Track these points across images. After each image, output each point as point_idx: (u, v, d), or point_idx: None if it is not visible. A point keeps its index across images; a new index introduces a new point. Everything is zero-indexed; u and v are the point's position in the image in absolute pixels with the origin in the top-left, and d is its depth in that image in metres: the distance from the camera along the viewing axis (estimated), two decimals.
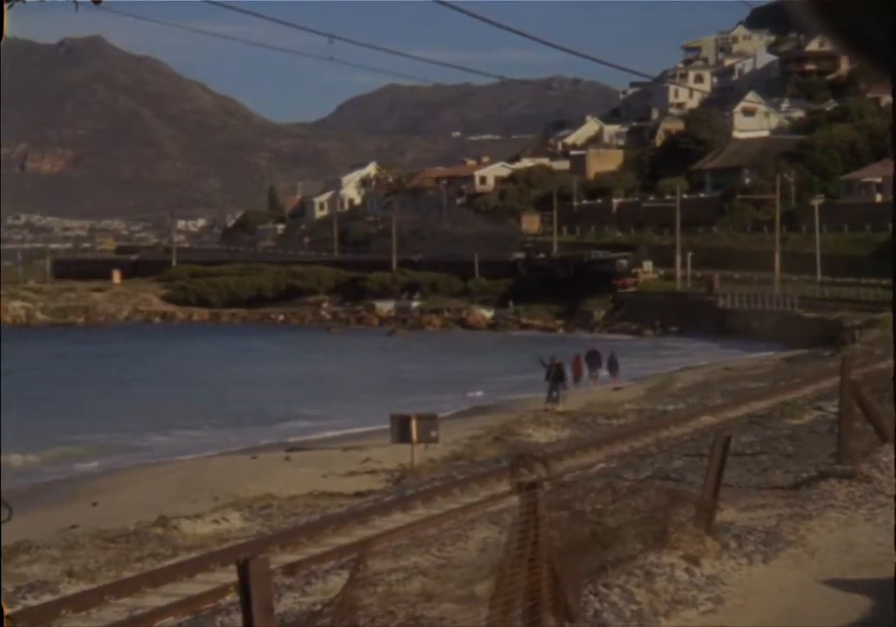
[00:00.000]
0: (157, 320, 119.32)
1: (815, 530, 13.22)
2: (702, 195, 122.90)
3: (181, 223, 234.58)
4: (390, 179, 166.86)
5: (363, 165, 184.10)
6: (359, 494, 23.60)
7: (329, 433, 38.50)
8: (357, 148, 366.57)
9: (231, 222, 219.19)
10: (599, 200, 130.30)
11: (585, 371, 47.81)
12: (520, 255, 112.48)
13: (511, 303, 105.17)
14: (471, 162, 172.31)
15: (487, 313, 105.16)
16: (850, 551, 12.36)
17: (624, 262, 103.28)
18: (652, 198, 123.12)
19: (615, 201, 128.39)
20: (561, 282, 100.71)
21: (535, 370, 41.41)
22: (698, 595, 10.69)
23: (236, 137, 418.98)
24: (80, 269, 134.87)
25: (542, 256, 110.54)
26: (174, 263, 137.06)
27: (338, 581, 12.97)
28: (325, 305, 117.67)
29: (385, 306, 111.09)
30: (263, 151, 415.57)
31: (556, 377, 39.76)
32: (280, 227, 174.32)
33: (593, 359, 48.63)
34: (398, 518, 19.90)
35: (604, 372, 48.86)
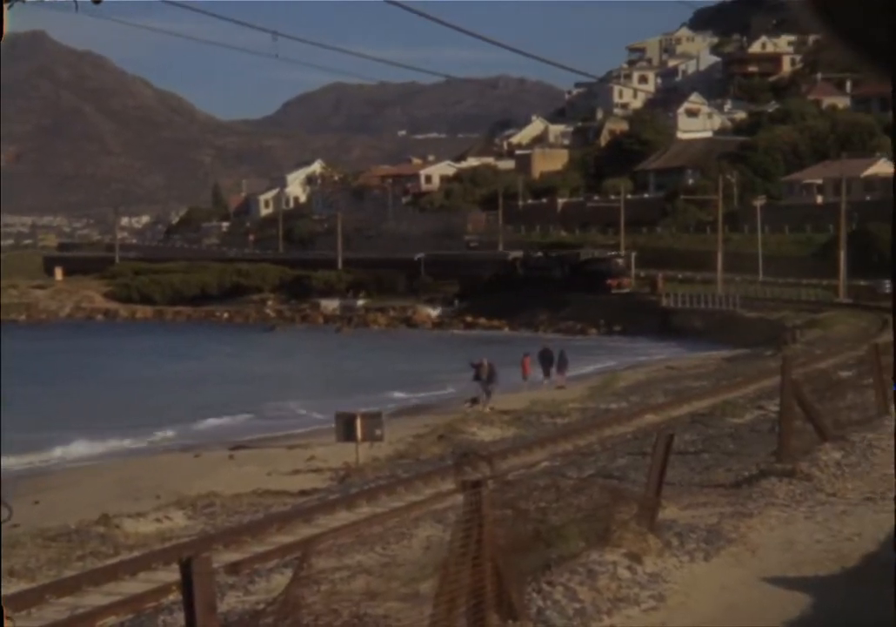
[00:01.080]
0: (99, 317, 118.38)
1: (756, 528, 13.33)
2: (646, 195, 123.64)
3: (124, 220, 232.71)
4: (336, 178, 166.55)
5: (309, 163, 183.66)
6: (303, 492, 23.56)
7: (273, 432, 38.38)
8: (303, 146, 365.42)
9: (175, 220, 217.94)
10: (544, 200, 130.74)
11: (534, 370, 48.14)
12: (517, 254, 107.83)
13: (457, 302, 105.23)
14: (416, 161, 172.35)
15: (433, 312, 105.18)
16: (790, 549, 12.48)
17: (620, 261, 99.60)
18: (596, 198, 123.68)
19: (560, 201, 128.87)
20: (557, 282, 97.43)
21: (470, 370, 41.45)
22: (640, 592, 10.75)
23: (180, 134, 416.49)
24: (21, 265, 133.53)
25: (539, 254, 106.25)
26: (117, 260, 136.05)
27: (281, 580, 12.94)
28: (269, 303, 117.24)
29: (330, 305, 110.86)
30: (208, 148, 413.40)
31: (480, 377, 39.69)
32: (225, 224, 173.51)
33: (546, 358, 48.87)
34: (343, 517, 19.88)
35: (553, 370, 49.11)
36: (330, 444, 28.78)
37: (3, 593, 15.16)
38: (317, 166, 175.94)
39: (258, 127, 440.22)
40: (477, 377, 39.94)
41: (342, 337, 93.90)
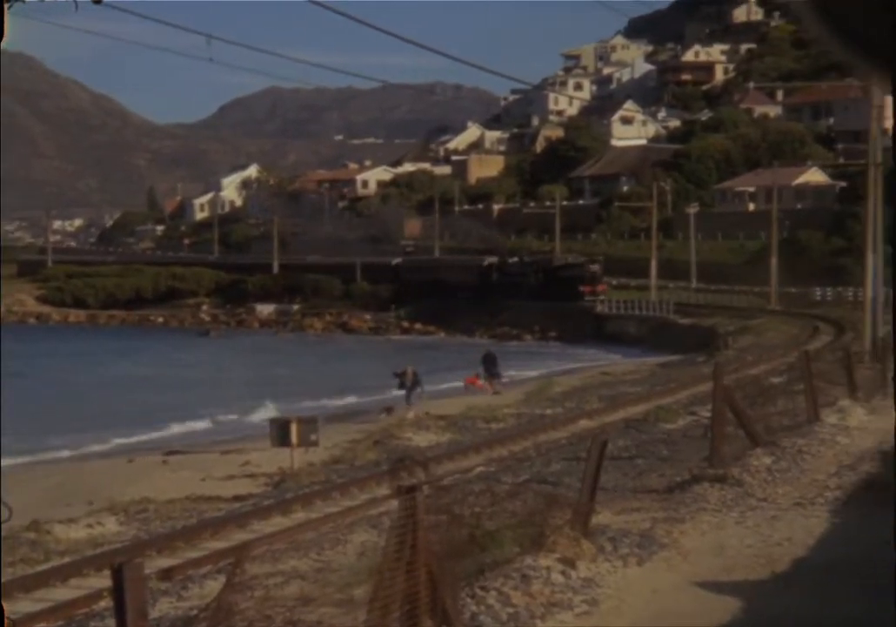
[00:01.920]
0: (31, 321, 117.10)
1: (688, 533, 13.45)
2: (581, 202, 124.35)
3: (57, 223, 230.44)
4: (272, 182, 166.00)
5: (244, 167, 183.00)
6: (238, 498, 23.44)
7: (208, 437, 38.14)
8: (238, 150, 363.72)
9: (109, 223, 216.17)
10: (481, 206, 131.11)
11: (481, 374, 48.36)
12: (492, 259, 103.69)
13: (393, 307, 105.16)
14: (353, 166, 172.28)
15: (369, 317, 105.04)
16: (721, 553, 12.60)
17: (595, 267, 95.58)
18: (532, 204, 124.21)
19: (496, 207, 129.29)
20: (532, 288, 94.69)
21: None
22: (574, 597, 10.82)
23: (115, 137, 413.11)
24: None
25: (514, 260, 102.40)
26: (50, 263, 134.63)
27: (215, 586, 12.87)
28: (204, 307, 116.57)
29: (266, 309, 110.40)
30: (143, 152, 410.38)
31: (405, 385, 39.59)
32: (159, 228, 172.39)
33: (489, 362, 49.02)
34: (277, 522, 19.81)
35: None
36: (265, 449, 28.66)
37: None
38: (252, 170, 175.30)
39: (194, 131, 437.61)
40: (401, 385, 39.84)
41: (277, 342, 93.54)
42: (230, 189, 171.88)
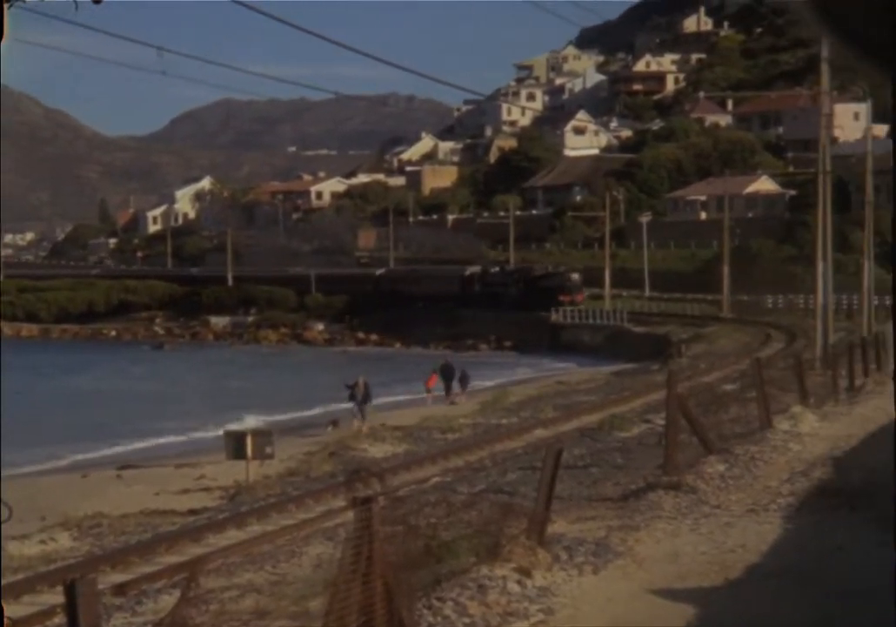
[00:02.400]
0: None
1: (643, 540, 13.50)
2: (534, 212, 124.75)
3: (8, 237, 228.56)
4: (225, 194, 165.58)
5: (197, 179, 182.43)
6: (193, 511, 23.34)
7: (162, 451, 37.93)
8: (191, 162, 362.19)
9: (61, 236, 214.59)
10: (435, 216, 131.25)
11: (437, 384, 48.63)
12: (474, 269, 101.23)
13: (348, 318, 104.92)
14: (307, 177, 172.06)
15: (324, 329, 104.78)
16: (675, 561, 12.65)
17: (576, 276, 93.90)
18: (486, 214, 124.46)
19: (450, 217, 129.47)
20: (513, 298, 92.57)
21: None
22: (530, 606, 10.84)
23: (67, 150, 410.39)
24: None
25: (496, 269, 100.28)
26: (1, 277, 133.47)
27: (170, 601, 12.80)
28: (158, 320, 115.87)
29: (220, 322, 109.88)
30: (94, 165, 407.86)
31: (355, 396, 39.34)
32: (112, 241, 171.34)
33: (447, 372, 49.21)
34: (232, 535, 19.74)
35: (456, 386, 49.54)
36: (220, 462, 28.55)
37: None
38: (206, 183, 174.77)
39: (146, 143, 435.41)
40: (352, 397, 39.61)
41: (232, 354, 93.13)
42: (183, 201, 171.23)
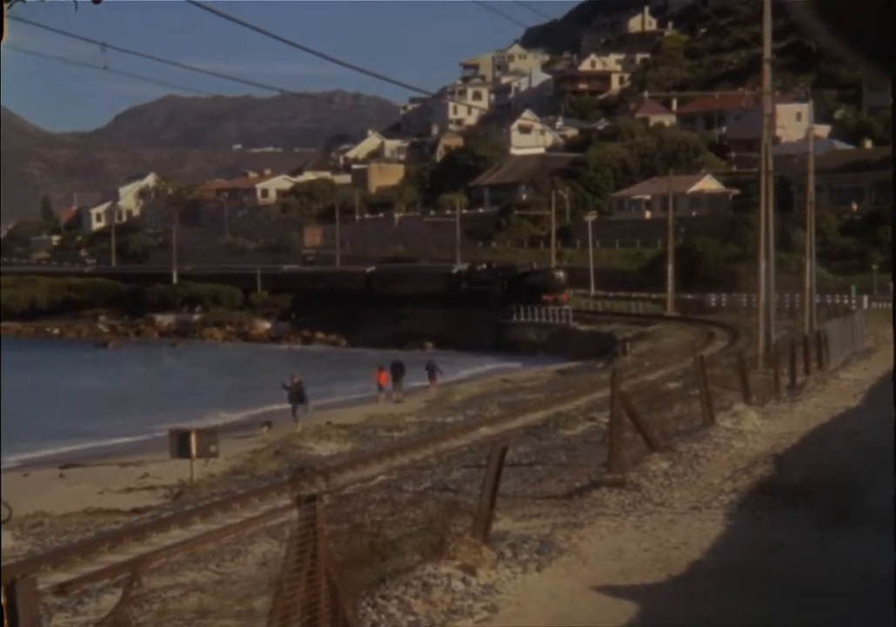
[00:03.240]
0: None
1: (587, 538, 13.57)
2: (481, 210, 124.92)
3: None
4: (170, 191, 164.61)
5: (142, 176, 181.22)
6: (136, 510, 23.20)
7: (106, 449, 37.64)
8: (136, 159, 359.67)
9: (2, 234, 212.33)
10: (381, 214, 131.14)
11: (390, 382, 48.75)
12: (462, 266, 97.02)
13: (293, 316, 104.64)
14: (252, 175, 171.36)
15: (269, 327, 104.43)
16: (619, 558, 12.73)
17: (560, 274, 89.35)
18: (433, 212, 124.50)
19: (397, 215, 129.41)
20: (498, 297, 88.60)
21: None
22: (474, 604, 10.87)
23: (9, 147, 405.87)
24: None
25: (482, 267, 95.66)
26: None
27: (112, 600, 12.72)
28: (102, 318, 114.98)
29: (165, 319, 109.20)
30: (37, 161, 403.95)
31: (293, 397, 39.08)
32: (55, 238, 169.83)
33: (397, 370, 49.37)
34: (176, 534, 19.64)
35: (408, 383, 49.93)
36: (164, 461, 28.40)
37: None
38: (150, 180, 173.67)
39: (90, 140, 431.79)
40: (291, 398, 39.26)
41: (177, 352, 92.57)
42: (127, 198, 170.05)
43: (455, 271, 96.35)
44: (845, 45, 2.13)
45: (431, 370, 52.33)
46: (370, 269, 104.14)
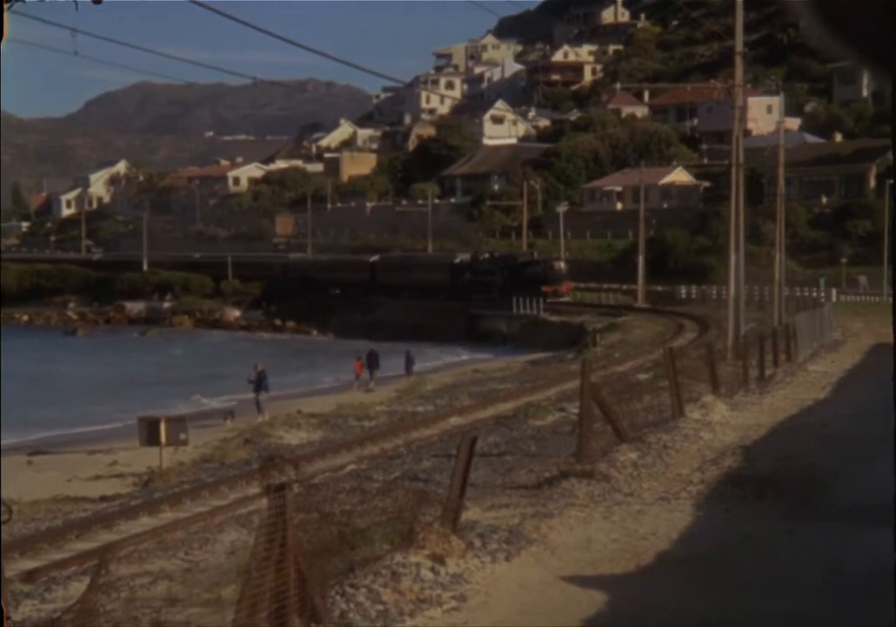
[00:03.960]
0: None
1: (556, 528, 13.61)
2: (453, 200, 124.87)
3: None
4: (141, 178, 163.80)
5: (113, 163, 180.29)
6: (105, 498, 23.13)
7: (74, 437, 37.50)
8: (107, 146, 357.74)
9: None
10: (353, 204, 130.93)
11: (365, 372, 49.07)
12: (464, 256, 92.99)
13: (265, 304, 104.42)
14: (224, 162, 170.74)
15: (240, 315, 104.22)
16: (588, 548, 12.78)
17: (560, 265, 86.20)
18: (405, 202, 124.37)
19: (369, 205, 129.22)
20: (499, 288, 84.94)
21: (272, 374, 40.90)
22: (443, 593, 10.89)
23: None
24: None
25: (485, 256, 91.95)
26: None
27: (80, 588, 12.69)
28: (71, 305, 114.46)
29: (135, 307, 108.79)
30: (7, 147, 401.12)
31: (256, 386, 38.81)
32: (25, 224, 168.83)
33: (372, 360, 49.62)
34: (145, 522, 19.60)
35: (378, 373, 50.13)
36: (133, 448, 28.33)
37: None
38: (121, 166, 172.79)
39: (61, 125, 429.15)
40: (255, 389, 38.91)
41: (146, 340, 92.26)
42: (98, 185, 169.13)
43: (458, 260, 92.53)
44: (845, 45, 2.11)
45: (409, 360, 52.95)
46: (374, 258, 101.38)
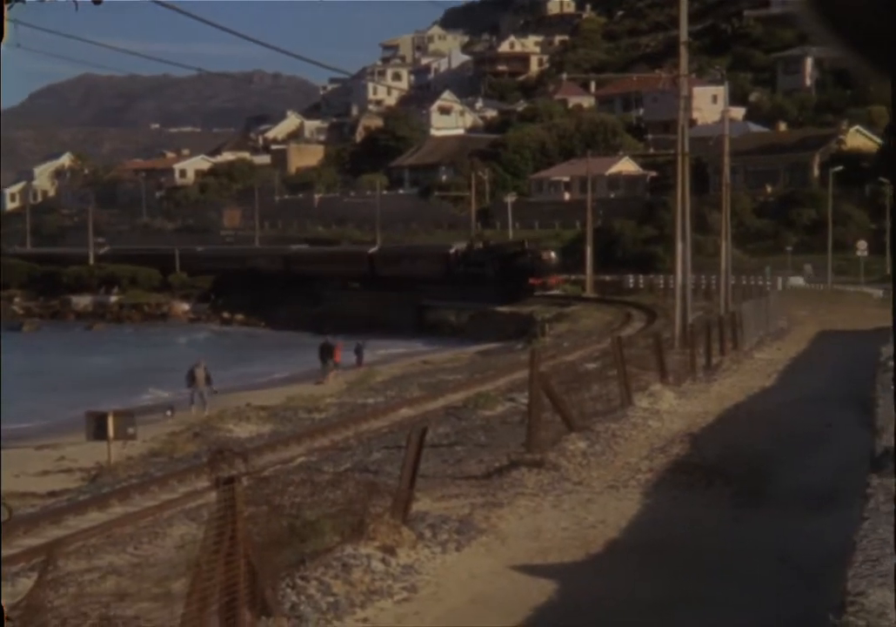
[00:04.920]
0: None
1: (506, 517, 13.68)
2: (401, 191, 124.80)
3: None
4: (86, 171, 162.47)
5: (57, 155, 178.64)
6: (52, 493, 22.96)
7: (21, 432, 37.15)
8: (51, 138, 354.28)
9: None
10: (301, 195, 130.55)
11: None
12: (460, 245, 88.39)
13: (213, 297, 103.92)
14: (170, 155, 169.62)
15: (188, 308, 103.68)
16: (538, 537, 12.85)
17: (552, 255, 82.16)
18: (353, 193, 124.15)
19: (316, 196, 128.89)
20: (490, 281, 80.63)
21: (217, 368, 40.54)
22: (393, 584, 10.92)
23: None
24: None
25: (479, 246, 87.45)
26: None
27: (28, 584, 12.61)
28: (17, 300, 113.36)
29: (82, 301, 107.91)
30: None
31: (194, 380, 38.38)
32: None
33: (324, 352, 49.52)
34: (93, 517, 19.48)
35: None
36: (81, 443, 28.11)
37: None
38: (66, 159, 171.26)
39: (4, 118, 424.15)
40: (191, 383, 38.45)
41: (93, 334, 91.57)
42: (42, 178, 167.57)
43: (453, 250, 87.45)
44: (844, 44, 2.12)
45: (360, 352, 53.04)
46: (373, 250, 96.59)
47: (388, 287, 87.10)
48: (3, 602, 6.77)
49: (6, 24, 5.88)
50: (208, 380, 38.39)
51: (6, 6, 7.04)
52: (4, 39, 5.70)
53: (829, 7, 2.08)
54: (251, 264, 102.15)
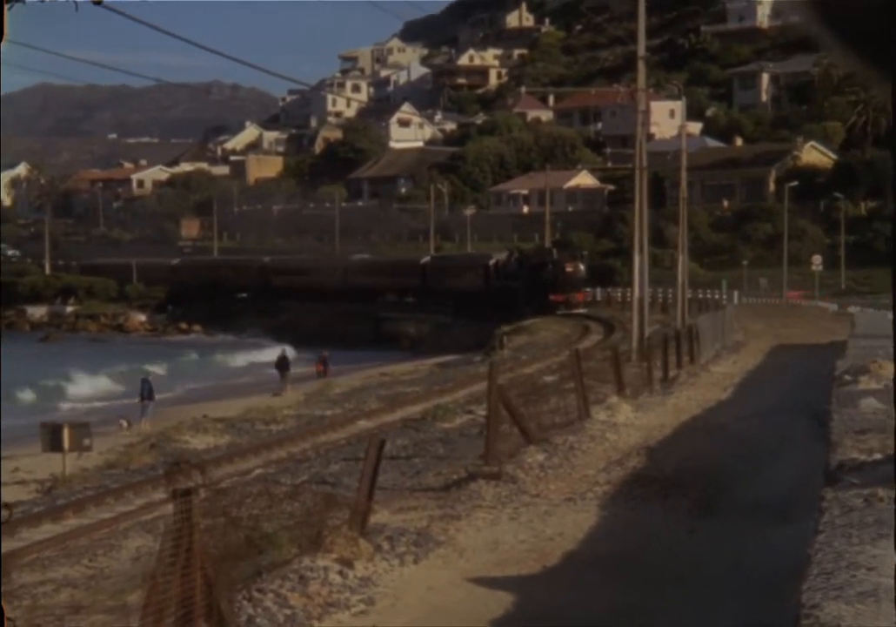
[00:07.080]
0: None
1: (464, 529, 13.68)
2: (360, 203, 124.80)
3: None
4: (42, 181, 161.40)
5: (13, 165, 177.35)
6: (6, 506, 22.75)
7: None
8: (7, 148, 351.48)
9: None
10: (259, 206, 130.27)
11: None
12: (500, 256, 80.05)
13: (170, 307, 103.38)
14: (128, 165, 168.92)
15: (145, 319, 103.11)
16: (495, 549, 12.86)
17: (580, 267, 74.33)
18: (311, 205, 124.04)
19: (275, 208, 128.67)
20: (521, 295, 73.01)
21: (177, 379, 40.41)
22: (351, 596, 10.91)
23: None
24: None
25: (515, 256, 79.22)
26: None
27: None
28: None
29: (37, 312, 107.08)
30: None
31: (142, 393, 38.17)
32: None
33: (282, 364, 49.54)
34: (48, 529, 19.34)
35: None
36: (35, 455, 27.88)
37: None
38: (22, 169, 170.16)
39: None
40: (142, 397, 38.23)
41: (48, 345, 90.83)
42: None
43: (493, 261, 78.97)
44: (844, 45, 2.12)
45: (325, 364, 53.27)
46: (424, 260, 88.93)
47: (441, 302, 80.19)
48: (2, 603, 6.73)
49: (6, 24, 5.86)
50: (149, 394, 38.16)
51: (6, 6, 7.02)
52: (5, 39, 5.68)
53: (830, 9, 2.09)
54: (310, 277, 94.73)
